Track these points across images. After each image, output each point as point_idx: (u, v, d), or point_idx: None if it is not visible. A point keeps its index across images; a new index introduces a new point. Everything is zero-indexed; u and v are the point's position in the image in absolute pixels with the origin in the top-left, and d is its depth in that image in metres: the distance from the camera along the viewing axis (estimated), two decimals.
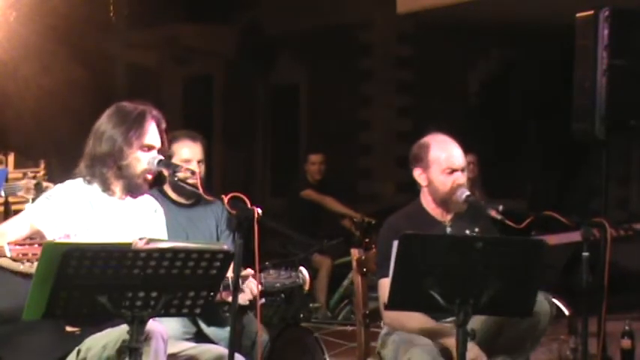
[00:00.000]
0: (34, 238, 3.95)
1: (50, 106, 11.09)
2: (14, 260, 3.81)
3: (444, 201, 4.74)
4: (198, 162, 5.08)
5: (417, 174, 4.78)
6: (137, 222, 4.22)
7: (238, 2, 15.44)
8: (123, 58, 14.04)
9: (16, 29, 10.55)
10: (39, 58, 10.89)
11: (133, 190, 4.19)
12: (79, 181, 4.19)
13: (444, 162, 4.71)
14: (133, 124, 4.15)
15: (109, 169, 4.14)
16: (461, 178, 4.70)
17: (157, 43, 15.83)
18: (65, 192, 4.15)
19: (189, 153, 5.09)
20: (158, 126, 4.21)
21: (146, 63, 15.86)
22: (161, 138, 4.22)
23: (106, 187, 4.16)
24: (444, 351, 4.48)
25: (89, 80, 11.28)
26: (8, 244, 3.85)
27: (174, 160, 4.88)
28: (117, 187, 4.18)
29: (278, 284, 4.44)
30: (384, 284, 4.52)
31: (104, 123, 4.18)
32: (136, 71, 14.51)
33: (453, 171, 4.71)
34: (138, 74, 14.46)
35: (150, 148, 4.17)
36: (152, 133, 4.18)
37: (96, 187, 4.16)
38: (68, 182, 4.20)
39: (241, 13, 15.55)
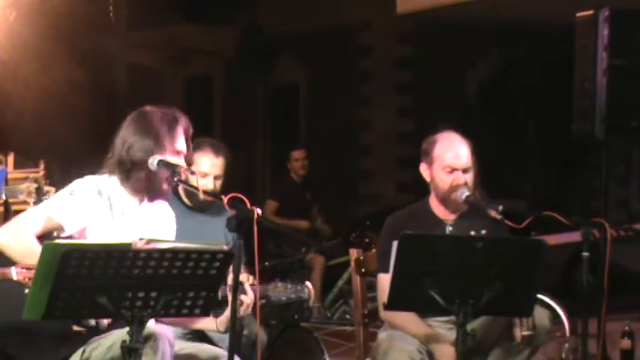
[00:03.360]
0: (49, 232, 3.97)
1: (50, 106, 11.08)
2: (20, 284, 3.82)
3: (444, 199, 4.74)
4: (215, 178, 5.00)
5: (423, 169, 4.80)
6: (152, 223, 4.22)
7: (238, 2, 15.44)
8: (123, 58, 14.00)
9: (16, 29, 10.54)
10: (39, 58, 10.88)
11: (157, 194, 4.18)
12: (104, 177, 4.15)
13: (445, 160, 4.71)
14: (167, 129, 4.12)
15: (139, 172, 4.12)
16: (461, 178, 4.69)
17: (157, 44, 15.81)
18: (86, 188, 4.12)
19: (208, 167, 5.00)
20: (185, 132, 4.20)
21: (146, 63, 15.84)
22: (187, 144, 4.21)
23: (134, 191, 4.14)
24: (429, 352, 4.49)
25: (89, 80, 11.27)
26: (15, 267, 3.86)
27: (193, 169, 4.84)
28: (143, 190, 4.16)
29: (284, 298, 4.46)
30: (382, 278, 4.55)
31: (129, 128, 4.14)
32: (136, 71, 14.47)
33: (453, 170, 4.70)
34: (138, 74, 14.43)
35: (179, 153, 4.16)
36: (182, 139, 4.17)
37: (116, 186, 4.15)
38: (88, 177, 4.17)
39: (241, 13, 15.55)
